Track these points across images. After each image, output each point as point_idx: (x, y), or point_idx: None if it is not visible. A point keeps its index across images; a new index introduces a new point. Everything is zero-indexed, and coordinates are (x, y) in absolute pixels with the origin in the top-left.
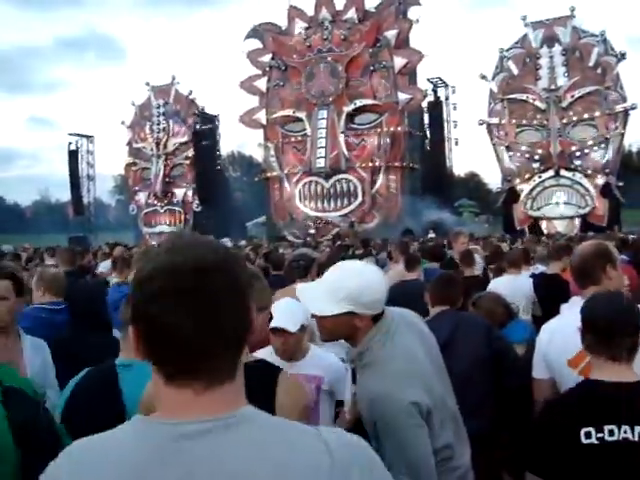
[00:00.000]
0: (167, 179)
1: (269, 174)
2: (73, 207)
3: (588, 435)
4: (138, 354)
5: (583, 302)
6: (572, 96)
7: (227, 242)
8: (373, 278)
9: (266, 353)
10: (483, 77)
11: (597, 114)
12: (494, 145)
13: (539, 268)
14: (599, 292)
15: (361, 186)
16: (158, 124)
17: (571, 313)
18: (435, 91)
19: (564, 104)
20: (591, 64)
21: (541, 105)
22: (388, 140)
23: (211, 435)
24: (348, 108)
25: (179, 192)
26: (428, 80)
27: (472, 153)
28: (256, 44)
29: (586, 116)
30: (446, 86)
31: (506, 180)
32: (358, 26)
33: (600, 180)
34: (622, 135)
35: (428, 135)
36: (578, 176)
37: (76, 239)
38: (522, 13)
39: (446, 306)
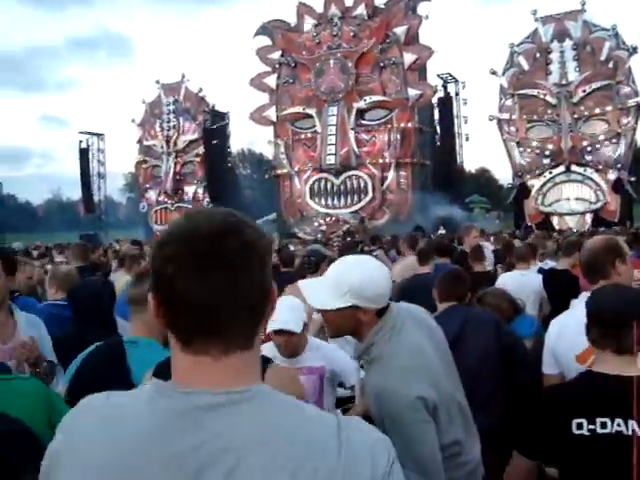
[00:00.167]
0: (177, 177)
1: (279, 171)
2: (84, 205)
3: (580, 426)
4: (159, 321)
5: (588, 296)
6: (583, 91)
7: None
8: (376, 272)
9: (270, 348)
10: (493, 72)
11: (609, 109)
12: (504, 141)
13: (549, 263)
14: (604, 285)
15: (371, 183)
16: (168, 122)
17: (580, 308)
18: (445, 87)
19: (575, 99)
20: (602, 58)
21: (552, 100)
22: (398, 136)
23: (224, 409)
24: (358, 104)
25: (189, 189)
26: (438, 76)
27: (483, 149)
28: (265, 41)
29: (597, 111)
30: (456, 82)
31: (517, 176)
32: (367, 22)
33: (612, 175)
34: (634, 130)
35: (438, 131)
36: (589, 171)
37: (87, 237)
38: (532, 8)
39: (454, 302)
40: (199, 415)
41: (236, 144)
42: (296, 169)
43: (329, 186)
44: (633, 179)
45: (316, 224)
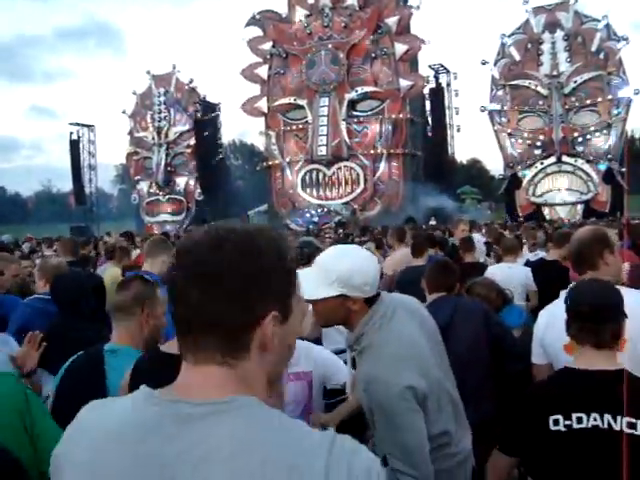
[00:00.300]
0: (169, 168)
1: (271, 162)
2: (75, 197)
3: (556, 422)
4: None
5: (566, 292)
6: (574, 82)
7: None
8: (364, 261)
9: None
10: (484, 63)
11: (599, 100)
12: (496, 131)
13: (539, 254)
14: (581, 281)
15: (363, 173)
16: (159, 113)
17: None
18: (437, 78)
19: (566, 90)
20: (593, 49)
21: (543, 91)
22: (390, 127)
23: (201, 422)
24: (349, 95)
25: (181, 181)
26: (429, 67)
27: (474, 139)
28: (257, 32)
29: (588, 102)
30: (447, 72)
31: (508, 167)
32: (359, 13)
33: (602, 166)
34: (625, 121)
35: (430, 122)
36: (580, 162)
37: (78, 229)
38: None
39: (443, 292)
40: (178, 426)
41: (227, 135)
42: (287, 160)
43: (320, 177)
44: (624, 170)
45: (308, 215)
